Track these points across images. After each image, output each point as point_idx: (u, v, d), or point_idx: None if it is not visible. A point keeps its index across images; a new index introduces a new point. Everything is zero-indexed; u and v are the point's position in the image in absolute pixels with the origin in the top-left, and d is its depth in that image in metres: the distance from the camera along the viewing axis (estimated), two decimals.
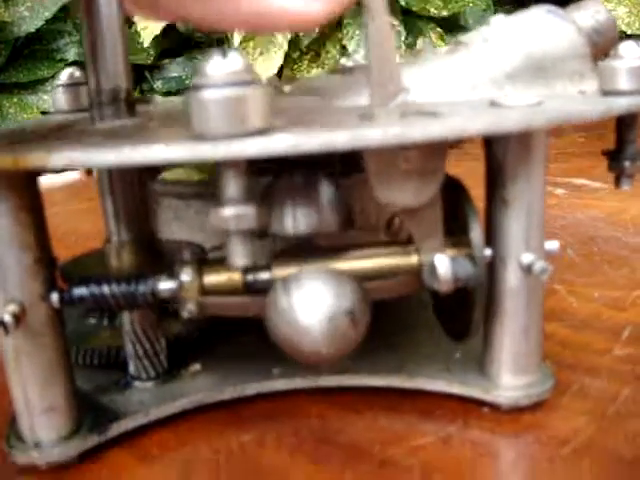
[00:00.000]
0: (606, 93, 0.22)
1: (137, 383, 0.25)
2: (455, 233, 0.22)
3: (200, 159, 0.17)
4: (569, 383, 0.25)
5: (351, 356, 0.21)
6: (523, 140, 0.21)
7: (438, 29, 0.84)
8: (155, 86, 0.99)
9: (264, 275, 0.21)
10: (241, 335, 0.28)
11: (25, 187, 0.20)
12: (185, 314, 0.21)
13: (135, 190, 0.24)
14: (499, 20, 0.26)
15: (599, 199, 0.48)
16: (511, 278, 0.23)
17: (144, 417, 0.23)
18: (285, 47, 0.83)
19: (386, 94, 0.19)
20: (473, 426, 0.23)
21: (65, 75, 0.30)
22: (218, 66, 0.16)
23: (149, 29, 0.82)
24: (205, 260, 0.23)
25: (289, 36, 0.83)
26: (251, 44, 0.83)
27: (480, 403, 0.24)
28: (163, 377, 0.25)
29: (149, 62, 0.96)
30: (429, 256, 0.21)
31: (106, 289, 0.21)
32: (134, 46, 0.93)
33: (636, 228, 0.41)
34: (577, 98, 0.22)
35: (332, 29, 0.84)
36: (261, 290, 0.21)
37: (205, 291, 0.21)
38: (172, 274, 0.21)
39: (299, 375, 0.25)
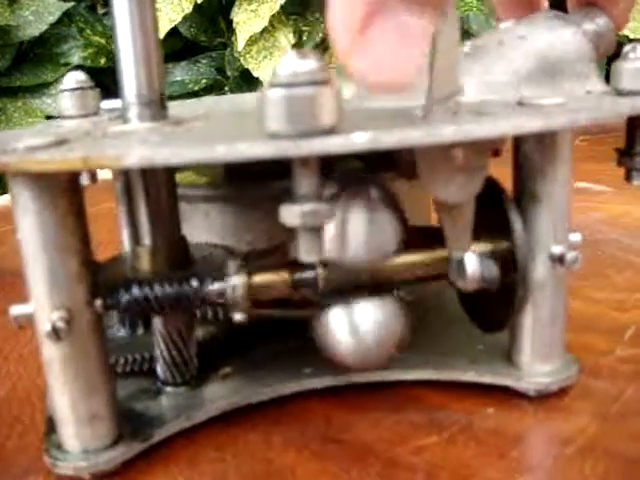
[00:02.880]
0: (618, 92, 0.23)
1: (169, 389, 0.26)
2: (490, 230, 0.24)
3: (283, 156, 0.17)
4: (572, 384, 0.26)
5: None
6: (551, 138, 0.23)
7: None
8: None
9: (310, 273, 0.22)
10: (269, 337, 0.29)
11: (71, 191, 0.21)
12: (235, 315, 0.22)
13: (168, 193, 0.24)
14: (509, 25, 0.27)
15: (603, 202, 0.49)
16: (540, 269, 0.24)
17: (186, 422, 0.24)
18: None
19: (444, 94, 0.20)
20: (477, 426, 0.24)
21: (69, 80, 0.29)
22: (294, 65, 0.16)
23: None
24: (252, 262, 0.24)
25: (292, 40, 0.84)
26: (254, 48, 0.84)
27: (484, 404, 0.25)
28: (194, 382, 0.26)
29: None
30: (458, 253, 0.23)
31: (152, 292, 0.22)
32: None
33: (638, 230, 0.43)
34: (593, 100, 0.24)
35: None
36: (307, 286, 0.22)
37: (253, 291, 0.22)
38: (218, 275, 0.22)
39: (330, 374, 0.26)
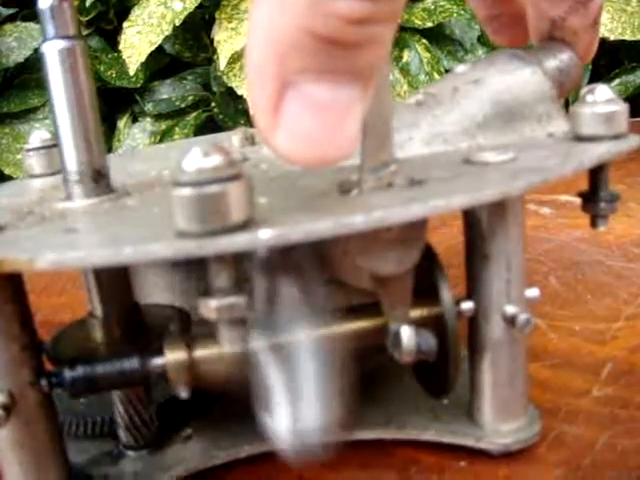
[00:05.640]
0: (577, 137, 0.23)
1: (130, 452, 0.26)
2: (427, 291, 0.23)
3: (187, 256, 0.17)
4: (547, 431, 0.26)
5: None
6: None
7: (424, 41, 0.84)
8: (146, 109, 0.99)
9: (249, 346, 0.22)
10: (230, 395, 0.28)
11: (7, 279, 0.21)
12: (177, 393, 0.21)
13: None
14: (466, 68, 0.27)
15: (584, 217, 0.48)
16: (494, 330, 0.23)
17: None
18: None
19: (377, 162, 0.19)
20: None
21: (34, 139, 0.30)
22: (197, 163, 0.16)
23: (134, 57, 0.83)
24: (191, 331, 0.23)
25: None
26: (237, 66, 0.84)
27: (456, 457, 0.25)
28: (155, 444, 0.26)
29: (138, 85, 0.97)
30: (395, 325, 0.22)
31: (97, 370, 0.22)
32: (123, 70, 0.93)
33: (620, 250, 0.42)
34: (548, 149, 0.23)
35: None
36: (252, 361, 0.21)
37: (195, 366, 0.22)
38: (161, 349, 0.22)
39: None
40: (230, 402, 0.28)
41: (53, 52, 0.22)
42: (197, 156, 0.16)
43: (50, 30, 0.22)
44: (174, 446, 0.26)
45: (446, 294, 0.22)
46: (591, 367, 0.30)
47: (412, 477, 0.24)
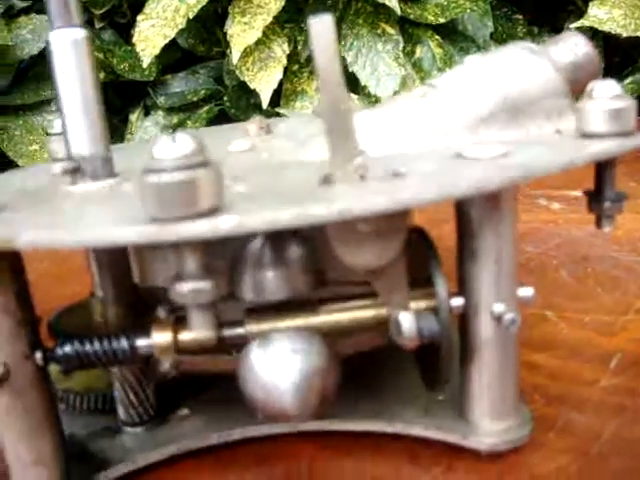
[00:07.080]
0: (583, 134, 0.22)
1: (127, 428, 0.26)
2: (426, 282, 0.23)
3: (149, 242, 0.17)
4: (555, 418, 0.25)
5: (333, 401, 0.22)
6: (490, 194, 0.21)
7: (436, 37, 0.83)
8: (158, 102, 1.00)
9: (238, 331, 0.21)
10: (228, 377, 0.28)
11: (3, 258, 0.21)
12: (162, 371, 0.21)
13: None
14: (474, 60, 0.26)
15: None
16: (483, 327, 0.23)
17: (131, 465, 0.24)
18: (284, 61, 0.83)
19: (343, 158, 0.19)
20: (457, 468, 0.23)
21: (58, 125, 0.30)
22: (166, 150, 0.16)
23: (148, 50, 0.83)
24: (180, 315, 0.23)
25: (287, 50, 0.83)
26: (250, 60, 0.84)
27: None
28: (152, 422, 0.26)
29: (151, 78, 0.97)
30: (394, 312, 0.21)
31: (88, 347, 0.22)
32: (136, 63, 0.93)
33: (630, 245, 0.41)
34: (546, 146, 0.22)
35: None
36: (236, 346, 0.21)
37: (180, 348, 0.22)
38: (147, 331, 0.22)
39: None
40: (226, 382, 0.27)
41: (59, 41, 0.23)
42: (166, 144, 0.16)
43: (56, 19, 0.23)
44: (170, 425, 0.26)
45: (441, 287, 0.22)
46: (600, 358, 0.29)
47: (421, 462, 0.24)
